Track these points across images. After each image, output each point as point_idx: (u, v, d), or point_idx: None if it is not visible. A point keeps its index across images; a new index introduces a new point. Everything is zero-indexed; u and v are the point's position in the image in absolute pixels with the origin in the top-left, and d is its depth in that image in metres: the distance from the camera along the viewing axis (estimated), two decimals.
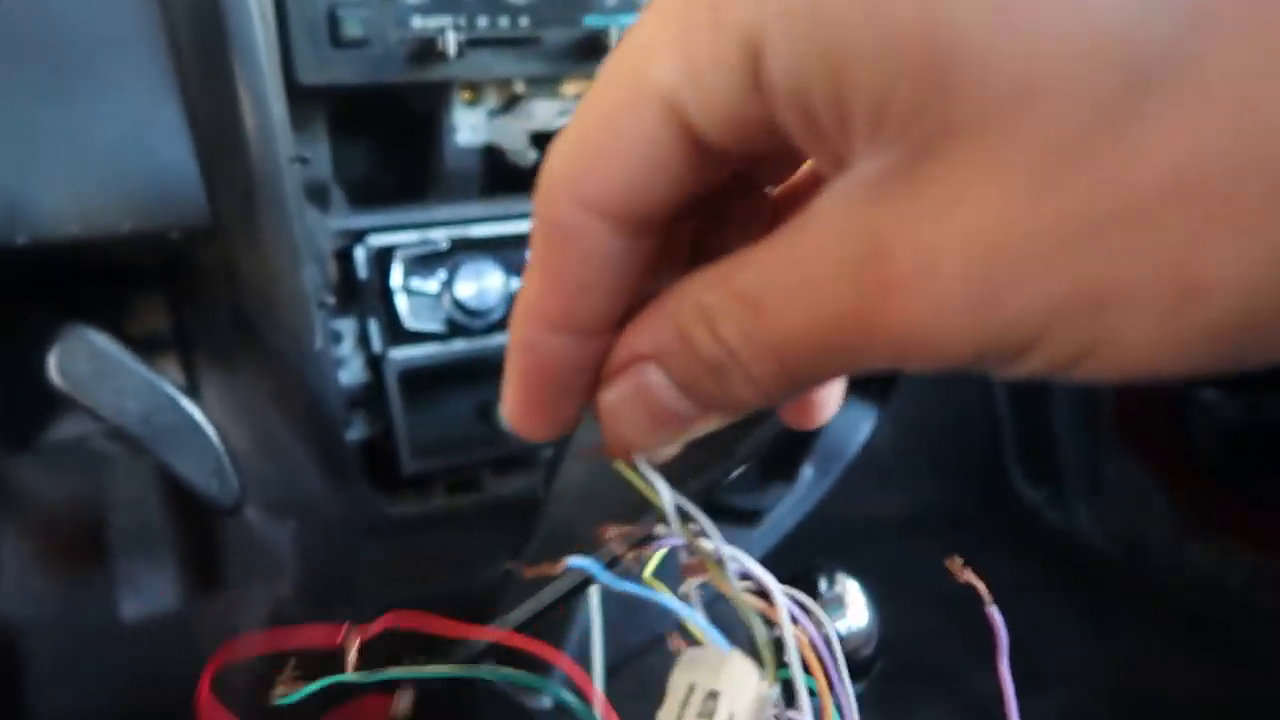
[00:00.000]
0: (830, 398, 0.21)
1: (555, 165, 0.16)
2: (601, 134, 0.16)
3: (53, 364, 0.41)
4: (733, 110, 0.15)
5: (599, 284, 0.17)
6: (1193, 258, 0.12)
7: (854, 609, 0.48)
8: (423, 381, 0.69)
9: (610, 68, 0.16)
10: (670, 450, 0.20)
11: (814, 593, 0.48)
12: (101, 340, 0.42)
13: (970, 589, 0.26)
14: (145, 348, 0.71)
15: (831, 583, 0.49)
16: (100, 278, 0.65)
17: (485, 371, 0.76)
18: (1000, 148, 0.13)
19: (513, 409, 0.19)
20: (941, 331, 0.14)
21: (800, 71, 0.14)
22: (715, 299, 0.16)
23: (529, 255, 0.17)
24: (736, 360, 0.16)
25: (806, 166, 0.20)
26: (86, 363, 0.42)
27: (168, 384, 0.44)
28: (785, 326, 0.15)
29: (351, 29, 0.54)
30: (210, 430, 0.44)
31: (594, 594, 0.60)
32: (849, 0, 0.13)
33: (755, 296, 0.15)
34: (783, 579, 0.57)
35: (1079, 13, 0.12)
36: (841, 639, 0.46)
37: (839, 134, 0.14)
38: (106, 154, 0.50)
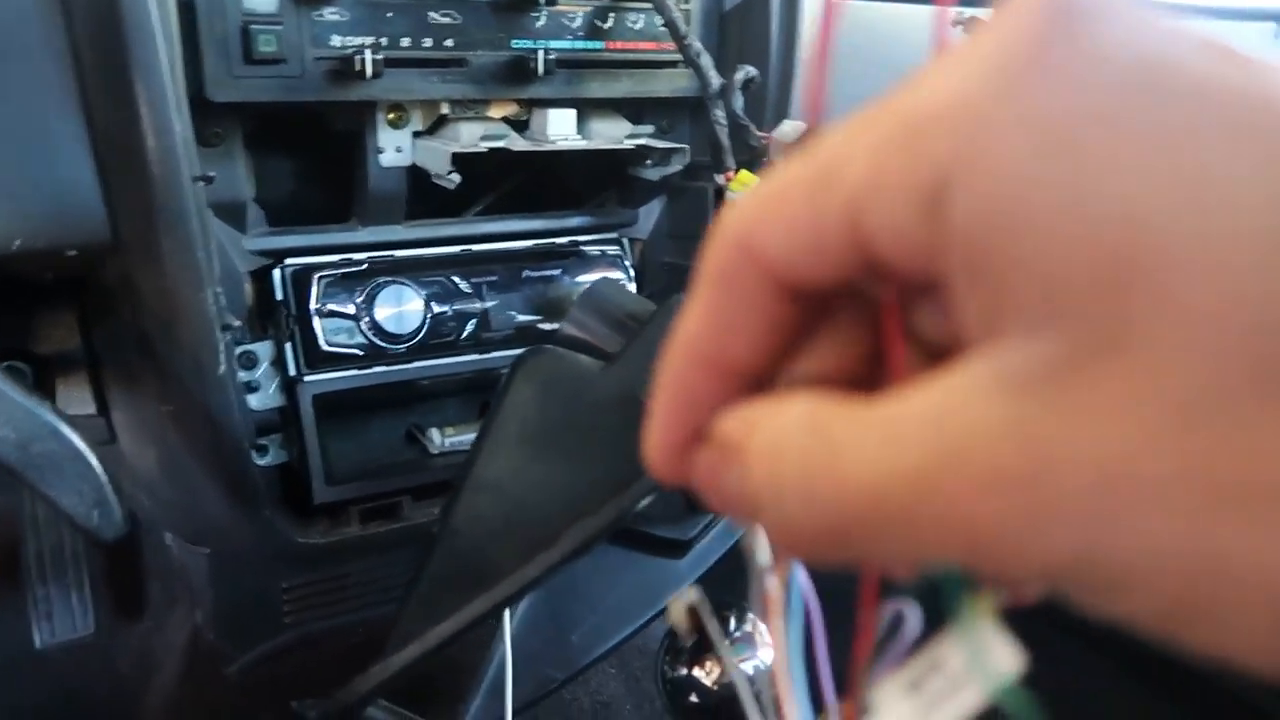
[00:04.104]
0: None
1: (737, 215, 0.17)
2: (785, 203, 0.16)
3: None
4: (904, 232, 0.15)
5: (752, 333, 0.17)
6: None
7: (765, 648, 0.47)
8: (348, 405, 0.68)
9: (810, 156, 0.16)
10: None
11: (724, 631, 0.47)
12: None
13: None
14: (55, 366, 0.69)
15: (741, 620, 0.47)
16: (4, 294, 0.63)
17: (414, 396, 0.74)
18: (1169, 367, 0.12)
19: (653, 444, 0.19)
20: (1037, 544, 0.13)
21: (981, 219, 0.14)
22: (806, 430, 0.16)
23: (693, 292, 0.18)
24: (803, 495, 0.16)
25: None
26: None
27: (48, 410, 0.42)
28: (861, 483, 0.15)
29: (265, 46, 0.53)
30: (92, 459, 0.42)
31: (506, 622, 0.58)
32: (1049, 173, 0.13)
33: (841, 442, 0.15)
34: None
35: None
36: (752, 678, 0.45)
37: (1002, 296, 0.14)
38: None
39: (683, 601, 0.23)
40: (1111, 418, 0.13)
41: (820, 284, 0.17)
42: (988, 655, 0.16)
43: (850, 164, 0.15)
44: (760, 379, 0.18)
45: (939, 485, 0.14)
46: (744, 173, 0.59)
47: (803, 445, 0.16)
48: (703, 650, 0.47)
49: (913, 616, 0.19)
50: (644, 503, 0.40)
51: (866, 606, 0.20)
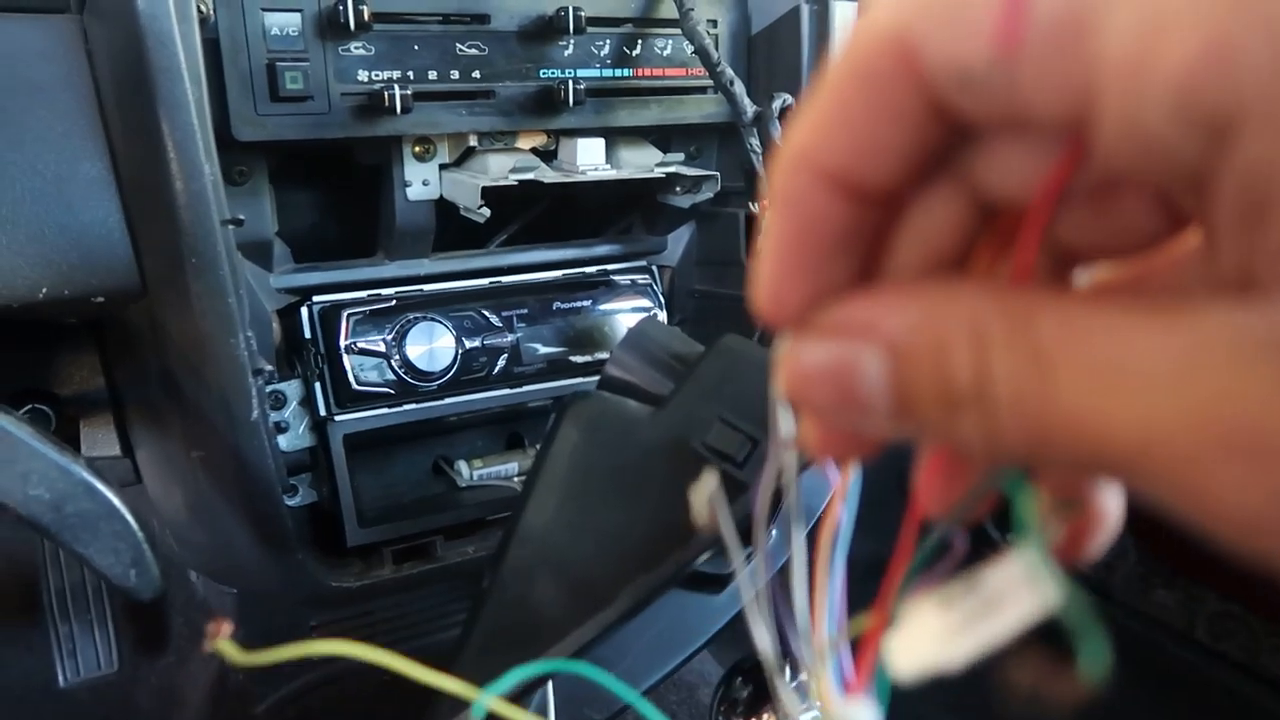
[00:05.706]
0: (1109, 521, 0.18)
1: (896, 5, 0.14)
2: (976, 15, 0.13)
3: None
4: (1154, 133, 0.12)
5: (891, 148, 0.14)
6: None
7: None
8: (374, 440, 0.66)
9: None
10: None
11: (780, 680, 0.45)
12: (3, 420, 0.39)
13: None
14: (78, 407, 0.68)
15: (795, 669, 0.46)
16: (25, 334, 0.62)
17: (440, 429, 0.73)
18: None
19: (765, 277, 0.16)
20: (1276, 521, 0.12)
21: (1271, 171, 0.12)
22: (1001, 334, 0.14)
23: (817, 94, 0.15)
24: (987, 407, 0.14)
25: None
26: None
27: (82, 467, 0.41)
28: (1079, 415, 0.13)
29: (292, 83, 0.52)
30: (129, 517, 0.41)
31: (549, 687, 0.56)
32: None
33: (1055, 360, 0.13)
34: (745, 660, 0.53)
35: None
36: None
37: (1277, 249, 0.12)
38: (21, 210, 0.47)
39: (705, 490, 0.21)
40: None
41: (982, 125, 0.14)
42: (1044, 577, 0.15)
43: (1106, 17, 0.12)
44: (886, 209, 0.15)
45: (1175, 443, 0.12)
46: None
47: (1008, 355, 0.14)
48: (760, 701, 0.45)
49: (960, 542, 0.18)
50: (704, 557, 0.38)
51: (909, 520, 0.19)
